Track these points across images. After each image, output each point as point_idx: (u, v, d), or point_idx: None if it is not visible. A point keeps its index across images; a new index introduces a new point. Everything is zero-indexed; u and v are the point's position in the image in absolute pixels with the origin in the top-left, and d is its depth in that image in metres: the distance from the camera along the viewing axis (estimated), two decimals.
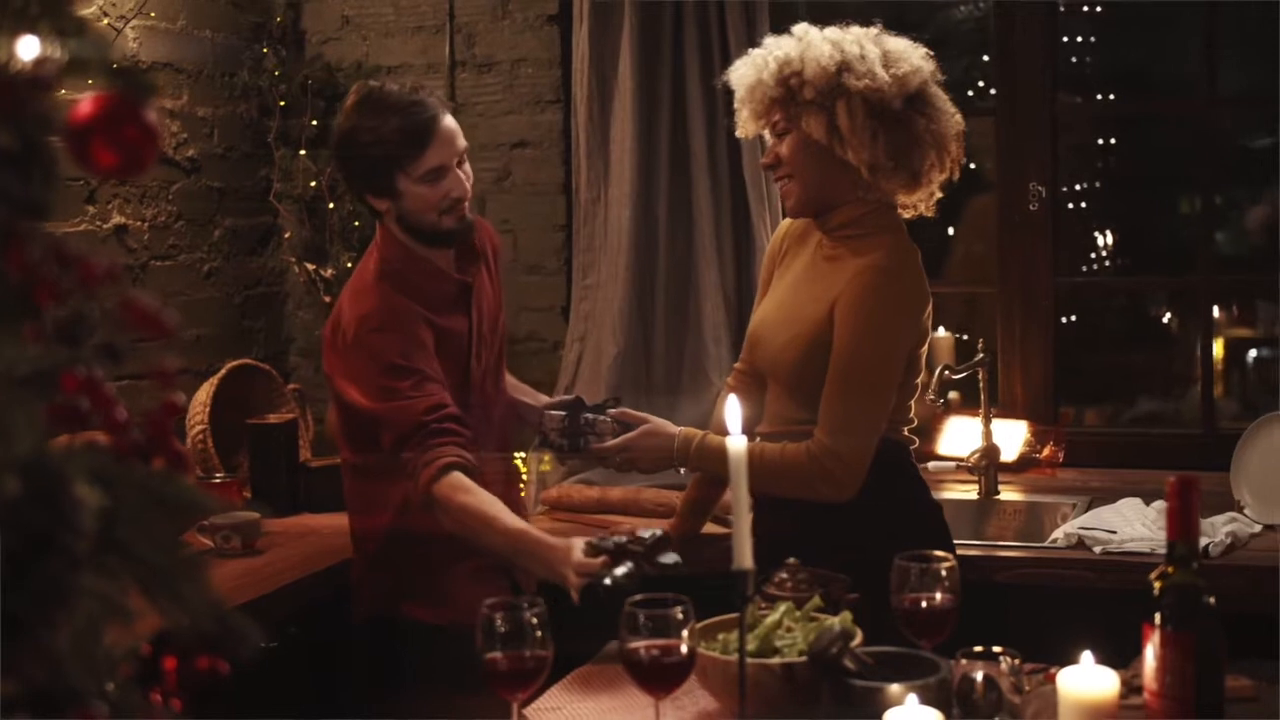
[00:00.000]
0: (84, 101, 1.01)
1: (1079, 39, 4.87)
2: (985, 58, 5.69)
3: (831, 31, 2.63)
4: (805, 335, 2.57)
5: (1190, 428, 4.12)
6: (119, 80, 1.03)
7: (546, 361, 3.86)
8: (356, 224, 3.55)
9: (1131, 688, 1.96)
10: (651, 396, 3.64)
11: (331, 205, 3.48)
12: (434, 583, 2.69)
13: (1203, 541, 2.84)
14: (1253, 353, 5.61)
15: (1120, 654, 1.95)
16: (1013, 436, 3.62)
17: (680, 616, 1.78)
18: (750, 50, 2.70)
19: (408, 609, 2.69)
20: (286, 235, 3.91)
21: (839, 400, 2.52)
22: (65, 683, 0.94)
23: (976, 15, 5.37)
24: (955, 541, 2.73)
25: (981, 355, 3.49)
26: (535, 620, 1.78)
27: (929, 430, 3.75)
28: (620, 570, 2.21)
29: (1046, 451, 3.67)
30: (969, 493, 3.45)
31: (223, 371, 3.49)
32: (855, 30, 2.63)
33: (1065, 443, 3.66)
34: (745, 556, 1.77)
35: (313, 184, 3.47)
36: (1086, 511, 3.13)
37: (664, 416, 3.56)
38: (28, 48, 1.03)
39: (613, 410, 2.73)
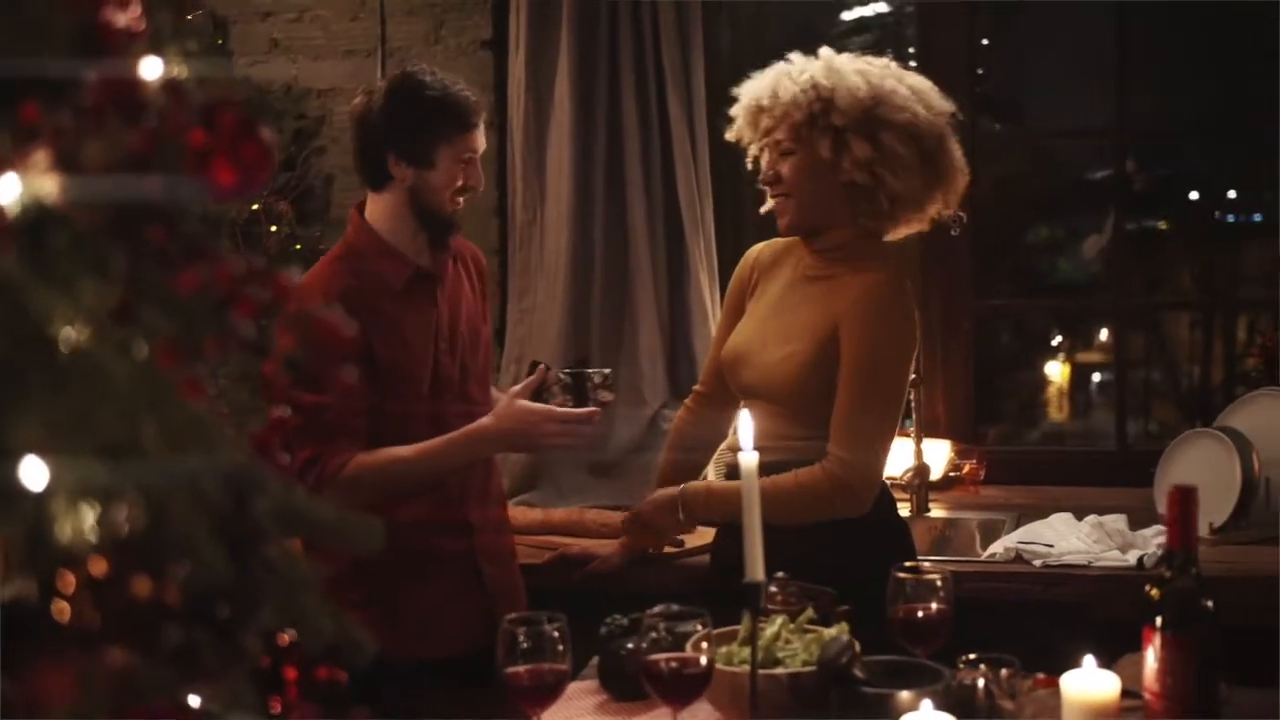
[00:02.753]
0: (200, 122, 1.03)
1: None
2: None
3: (853, 60, 2.68)
4: (804, 353, 2.62)
5: (1091, 445, 4.28)
6: (240, 101, 1.05)
7: None
8: (298, 247, 3.54)
9: None
10: None
11: (274, 229, 3.46)
12: (398, 616, 2.67)
13: (1135, 554, 2.97)
14: (1096, 376, 5.85)
15: (1065, 663, 2.01)
16: (938, 455, 3.73)
17: (698, 629, 1.83)
18: (773, 66, 2.73)
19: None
20: None
21: (857, 415, 2.57)
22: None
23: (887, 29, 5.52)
24: None
25: (914, 375, 3.58)
26: (556, 634, 1.82)
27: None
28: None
29: (968, 469, 3.78)
30: (901, 511, 3.53)
31: None
32: (876, 62, 2.70)
33: (986, 461, 3.79)
34: (757, 570, 1.83)
35: (254, 206, 3.44)
36: (1017, 527, 3.23)
37: (600, 436, 3.62)
38: (151, 69, 1.05)
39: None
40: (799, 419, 2.61)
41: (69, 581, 0.82)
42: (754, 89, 2.69)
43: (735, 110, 2.75)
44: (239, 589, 0.90)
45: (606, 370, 2.76)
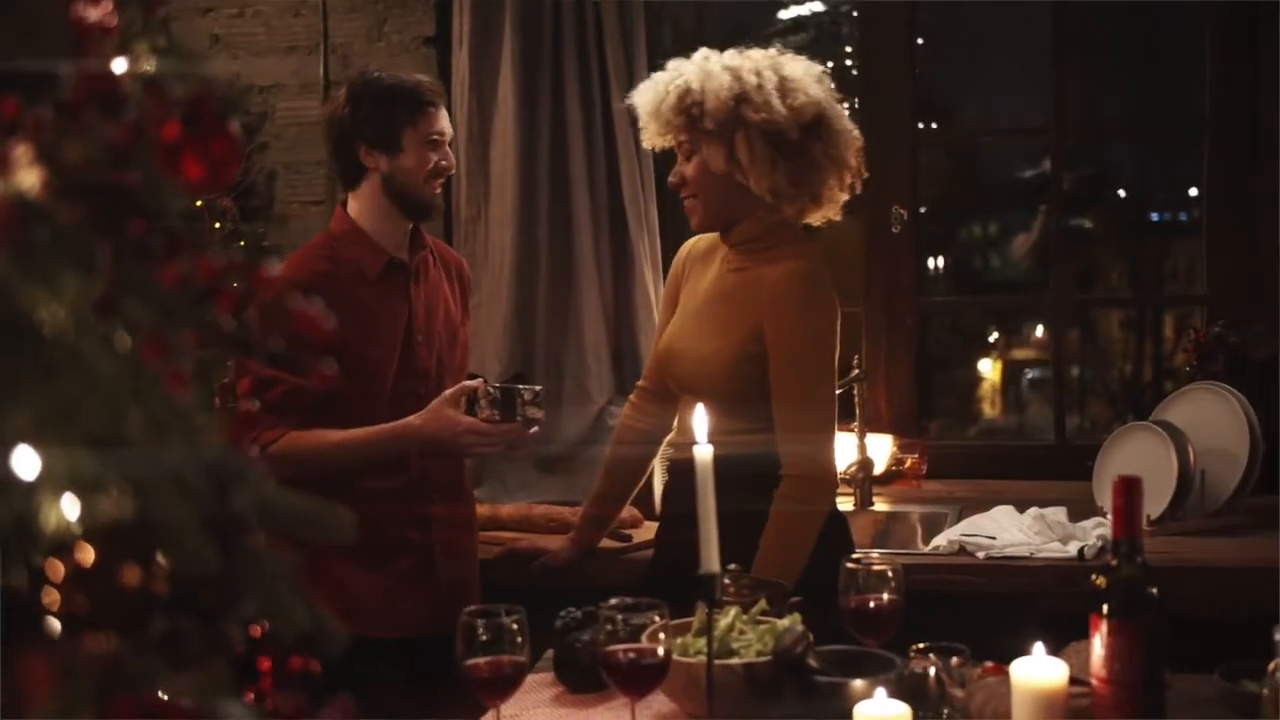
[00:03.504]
0: (173, 117, 1.03)
1: None
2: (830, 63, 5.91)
3: (731, 57, 2.70)
4: (730, 348, 2.65)
5: (1027, 439, 4.34)
6: (206, 96, 1.06)
7: None
8: (241, 243, 3.52)
9: None
10: None
11: (217, 225, 3.44)
12: (347, 592, 2.70)
13: (1075, 545, 3.02)
14: (1029, 373, 5.95)
15: (1008, 652, 2.04)
16: (881, 450, 3.77)
17: (655, 620, 1.85)
18: (654, 74, 2.78)
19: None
20: None
21: (799, 414, 2.61)
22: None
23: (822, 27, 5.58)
24: None
25: (858, 371, 3.63)
26: (515, 627, 1.83)
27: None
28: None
29: (910, 463, 3.83)
30: (845, 504, 3.58)
31: None
32: (755, 55, 2.71)
33: (928, 455, 3.84)
34: (713, 561, 1.85)
35: (198, 202, 3.42)
36: (960, 520, 3.28)
37: (545, 432, 3.63)
38: (126, 64, 1.05)
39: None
40: (734, 413, 2.62)
41: (58, 570, 0.83)
42: (642, 100, 2.73)
43: (641, 121, 2.79)
44: (223, 578, 0.91)
45: (538, 388, 2.81)
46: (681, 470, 2.79)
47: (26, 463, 0.81)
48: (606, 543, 3.13)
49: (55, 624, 0.85)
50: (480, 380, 2.80)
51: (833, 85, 2.76)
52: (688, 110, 2.65)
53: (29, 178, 0.86)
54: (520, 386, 2.80)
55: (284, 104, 3.90)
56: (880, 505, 3.61)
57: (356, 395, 2.71)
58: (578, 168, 3.67)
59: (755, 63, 2.70)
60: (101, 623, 0.85)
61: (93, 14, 0.99)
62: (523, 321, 3.69)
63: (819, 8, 6.11)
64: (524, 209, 3.67)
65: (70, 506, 0.84)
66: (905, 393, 3.94)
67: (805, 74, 2.72)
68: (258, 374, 2.61)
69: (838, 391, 3.52)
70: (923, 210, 4.80)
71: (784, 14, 6.17)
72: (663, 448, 3.21)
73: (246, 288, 0.92)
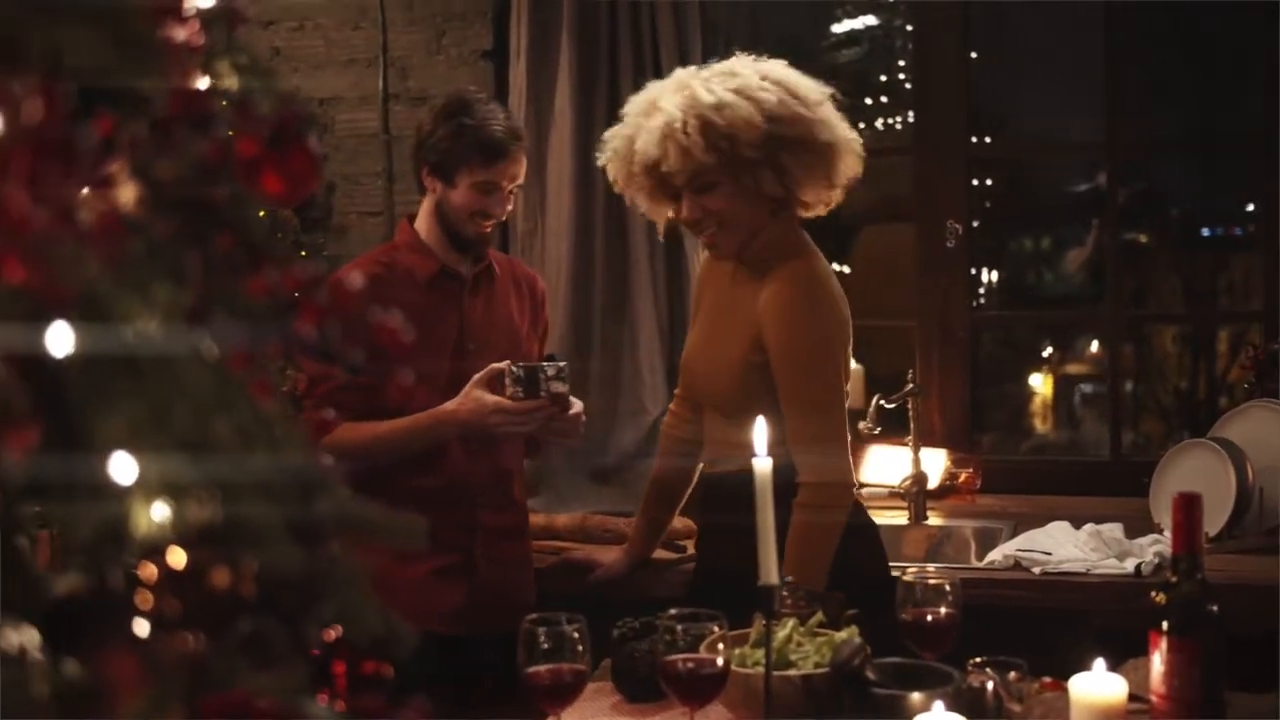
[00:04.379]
0: (258, 134, 1.06)
1: None
2: (884, 98, 5.92)
3: (714, 80, 2.64)
4: (734, 358, 2.66)
5: (1079, 455, 4.32)
6: (288, 113, 1.08)
7: None
8: (303, 254, 3.56)
9: None
10: (589, 424, 3.71)
11: (280, 235, 3.49)
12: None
13: (1132, 561, 3.01)
14: (1081, 388, 5.91)
15: (1063, 668, 2.04)
16: (934, 464, 3.77)
17: (714, 630, 1.86)
18: (615, 131, 2.75)
19: None
20: None
21: (806, 420, 2.60)
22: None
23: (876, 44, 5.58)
24: (896, 564, 2.85)
25: (912, 385, 3.64)
26: (576, 635, 1.85)
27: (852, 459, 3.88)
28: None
29: (964, 478, 3.82)
30: (899, 518, 3.59)
31: None
32: (743, 68, 2.68)
33: (981, 470, 3.83)
34: (771, 573, 1.86)
35: (260, 214, 3.46)
36: (1014, 535, 3.27)
37: (600, 443, 3.66)
38: (213, 82, 1.08)
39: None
40: (747, 424, 2.62)
41: (151, 572, 0.86)
42: (644, 150, 2.64)
43: (620, 169, 2.73)
44: (304, 582, 0.94)
45: (561, 363, 2.84)
46: (711, 483, 2.80)
47: (121, 468, 0.84)
48: (660, 553, 3.14)
49: (147, 624, 0.87)
50: (506, 361, 2.83)
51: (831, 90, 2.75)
52: (717, 145, 2.59)
53: (125, 193, 0.89)
54: (544, 363, 2.83)
55: (343, 116, 3.95)
56: (934, 520, 3.60)
57: (400, 400, 2.76)
58: None
59: (745, 77, 2.66)
60: (190, 623, 0.88)
61: (181, 33, 1.02)
62: (578, 333, 3.72)
63: (873, 21, 6.12)
64: (580, 221, 3.70)
65: (162, 511, 0.86)
66: (958, 407, 3.94)
67: (798, 77, 2.72)
68: (308, 371, 2.68)
69: (889, 405, 3.56)
70: (975, 224, 4.81)
71: (838, 27, 6.18)
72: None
73: (328, 299, 0.95)
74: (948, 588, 2.07)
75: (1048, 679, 2.02)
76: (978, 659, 1.97)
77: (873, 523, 2.86)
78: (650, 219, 2.94)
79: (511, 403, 2.77)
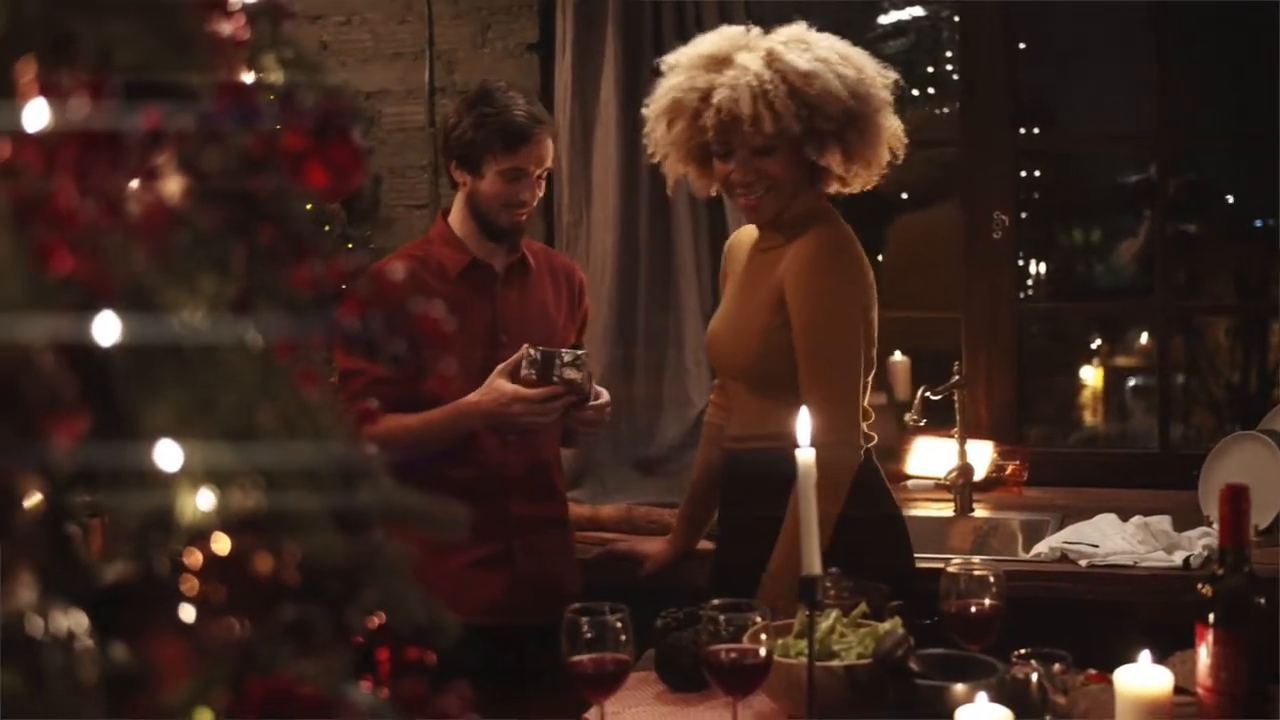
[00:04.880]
0: (302, 127, 1.07)
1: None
2: (930, 90, 5.89)
3: (796, 44, 2.66)
4: (758, 324, 2.66)
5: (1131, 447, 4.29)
6: (333, 106, 1.09)
7: None
8: (349, 246, 3.59)
9: None
10: (633, 415, 3.73)
11: (327, 228, 3.52)
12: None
13: (1180, 554, 2.99)
14: (1132, 380, 5.86)
15: (1108, 661, 2.03)
16: (981, 456, 3.75)
17: (757, 621, 1.87)
18: (696, 80, 2.70)
19: None
20: None
21: (819, 371, 2.59)
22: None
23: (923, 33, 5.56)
24: (941, 556, 2.84)
25: (958, 377, 3.62)
26: (619, 625, 1.86)
27: (897, 451, 3.88)
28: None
29: (1011, 470, 3.80)
30: (945, 510, 3.58)
31: None
32: (813, 38, 2.69)
33: (1028, 462, 3.81)
34: (814, 564, 1.86)
35: (308, 206, 3.48)
36: (1061, 528, 3.25)
37: (645, 434, 3.67)
38: (249, 76, 1.09)
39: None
40: (772, 395, 2.63)
41: (196, 559, 0.87)
42: (730, 107, 2.60)
43: (677, 122, 2.72)
44: (347, 569, 0.95)
45: (580, 351, 2.85)
46: (733, 460, 2.80)
47: (167, 456, 0.86)
48: (705, 544, 3.15)
49: (191, 609, 0.89)
50: (526, 346, 2.83)
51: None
52: (799, 113, 2.60)
53: (171, 185, 0.90)
54: (561, 349, 2.82)
55: (389, 109, 3.97)
56: (980, 512, 3.59)
57: (437, 391, 2.77)
58: None
59: (822, 49, 2.66)
60: (235, 609, 0.89)
61: (227, 28, 1.03)
62: (623, 324, 3.73)
63: (919, 12, 6.09)
64: (625, 213, 3.71)
65: (207, 498, 0.88)
66: (1005, 399, 3.92)
67: (855, 49, 2.74)
68: (341, 365, 2.70)
69: (934, 397, 3.55)
70: (1024, 216, 4.77)
71: (884, 19, 6.15)
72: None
73: (371, 290, 0.96)
74: (992, 579, 2.07)
75: (1093, 671, 2.00)
76: (1022, 651, 1.96)
77: (899, 511, 2.83)
78: (694, 192, 3.00)
79: (530, 391, 2.77)
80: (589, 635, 1.85)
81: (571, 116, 3.74)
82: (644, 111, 2.86)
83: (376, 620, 1.17)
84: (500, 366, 2.80)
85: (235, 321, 0.92)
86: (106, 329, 0.83)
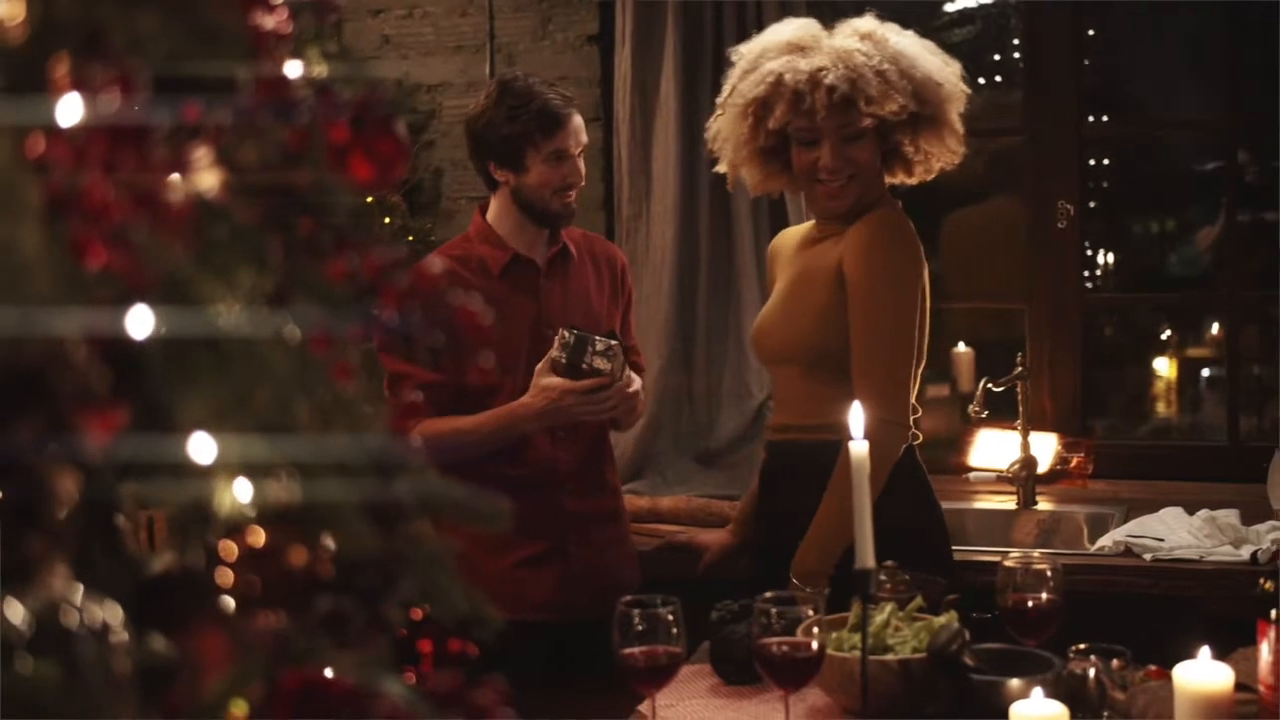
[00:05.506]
0: (342, 120, 1.07)
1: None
2: (997, 78, 5.83)
3: (891, 33, 2.68)
4: (816, 305, 2.65)
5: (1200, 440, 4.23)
6: (374, 99, 1.09)
7: None
8: (410, 238, 3.61)
9: None
10: (694, 408, 3.73)
11: (387, 220, 3.55)
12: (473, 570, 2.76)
13: (1248, 549, 2.94)
14: (1205, 371, 5.76)
15: (1172, 657, 2.00)
16: (1044, 448, 3.71)
17: (810, 614, 1.86)
18: (777, 64, 2.66)
19: None
20: None
21: (872, 347, 2.58)
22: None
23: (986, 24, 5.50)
24: (1003, 549, 2.80)
25: (1021, 369, 3.58)
26: (670, 617, 1.85)
27: (959, 443, 3.84)
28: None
29: (1075, 462, 3.76)
30: (1008, 503, 3.54)
31: None
32: (895, 32, 2.71)
33: (1093, 454, 3.76)
34: (868, 557, 1.84)
35: (369, 199, 3.52)
36: (1125, 521, 3.21)
37: (705, 427, 3.67)
38: (292, 70, 1.10)
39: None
40: (823, 382, 2.62)
41: (232, 551, 0.87)
42: (840, 81, 2.57)
43: (795, 97, 2.63)
44: (383, 561, 0.95)
45: (613, 342, 2.81)
46: (775, 452, 2.78)
47: (203, 449, 0.86)
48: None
49: (229, 601, 0.89)
50: (563, 329, 2.81)
51: None
52: (907, 99, 2.60)
53: (209, 179, 0.91)
54: (595, 336, 2.78)
55: (450, 102, 3.99)
56: (1044, 504, 3.55)
57: (486, 390, 2.79)
58: None
59: (905, 36, 2.70)
60: (271, 601, 0.89)
61: (269, 21, 1.04)
62: (683, 317, 3.72)
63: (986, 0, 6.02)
64: (685, 206, 3.70)
65: (243, 491, 0.88)
66: (1070, 391, 3.87)
67: (931, 45, 2.76)
68: (390, 369, 2.71)
69: (996, 389, 3.52)
70: (1092, 205, 4.71)
71: (950, 6, 6.09)
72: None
73: (409, 283, 0.96)
74: (1049, 573, 2.04)
75: (1154, 667, 1.98)
76: (1080, 645, 1.94)
77: (938, 504, 2.77)
78: (749, 188, 2.95)
79: (579, 384, 2.74)
80: (640, 627, 1.85)
81: (631, 109, 3.74)
82: (727, 99, 2.80)
83: (419, 612, 1.18)
84: (539, 366, 2.78)
85: (272, 315, 0.92)
86: (142, 323, 0.84)
